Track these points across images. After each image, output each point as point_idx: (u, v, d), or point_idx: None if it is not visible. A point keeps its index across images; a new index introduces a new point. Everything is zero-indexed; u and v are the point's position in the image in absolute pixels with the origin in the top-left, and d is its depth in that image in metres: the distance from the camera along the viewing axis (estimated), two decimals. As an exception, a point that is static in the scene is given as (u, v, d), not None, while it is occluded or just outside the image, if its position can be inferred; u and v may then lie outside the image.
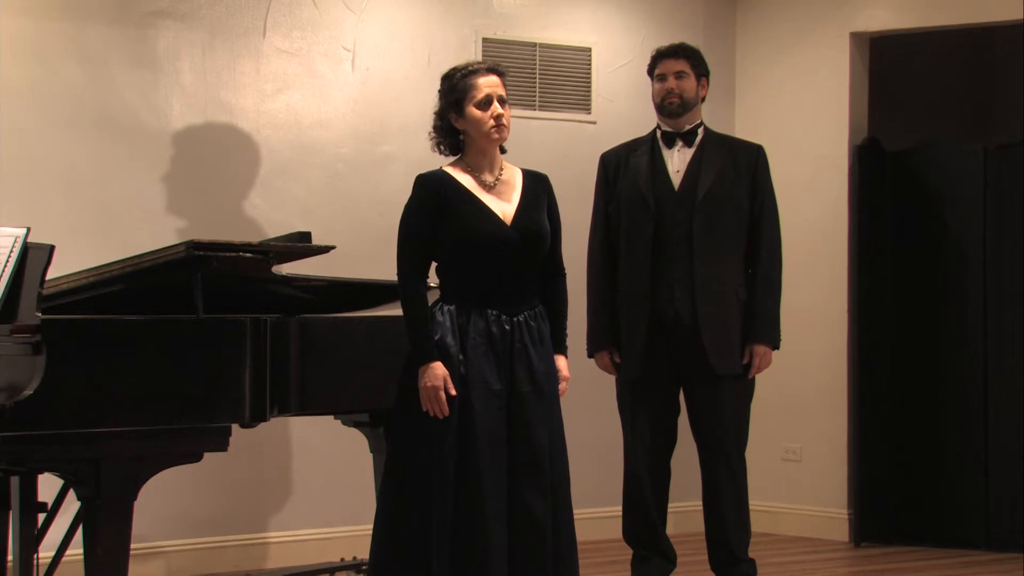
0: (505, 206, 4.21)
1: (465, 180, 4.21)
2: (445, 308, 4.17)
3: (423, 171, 4.26)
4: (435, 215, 4.16)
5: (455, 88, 4.22)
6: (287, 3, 6.28)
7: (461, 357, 4.12)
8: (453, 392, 4.09)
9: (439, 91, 4.28)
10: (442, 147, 4.28)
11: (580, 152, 6.63)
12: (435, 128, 4.28)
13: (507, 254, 4.17)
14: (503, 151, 4.29)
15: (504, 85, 4.24)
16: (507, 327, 4.16)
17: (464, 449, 4.09)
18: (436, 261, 4.24)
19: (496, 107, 4.18)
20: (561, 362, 4.30)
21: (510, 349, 4.16)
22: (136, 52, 5.95)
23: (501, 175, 4.26)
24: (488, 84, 4.20)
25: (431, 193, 4.18)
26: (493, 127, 4.18)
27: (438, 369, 4.09)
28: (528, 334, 4.19)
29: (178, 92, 6.04)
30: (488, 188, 4.22)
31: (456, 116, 4.21)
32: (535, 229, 4.22)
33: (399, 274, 4.20)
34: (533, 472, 4.14)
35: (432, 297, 4.25)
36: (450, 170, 4.24)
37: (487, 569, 4.05)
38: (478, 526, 4.06)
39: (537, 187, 4.29)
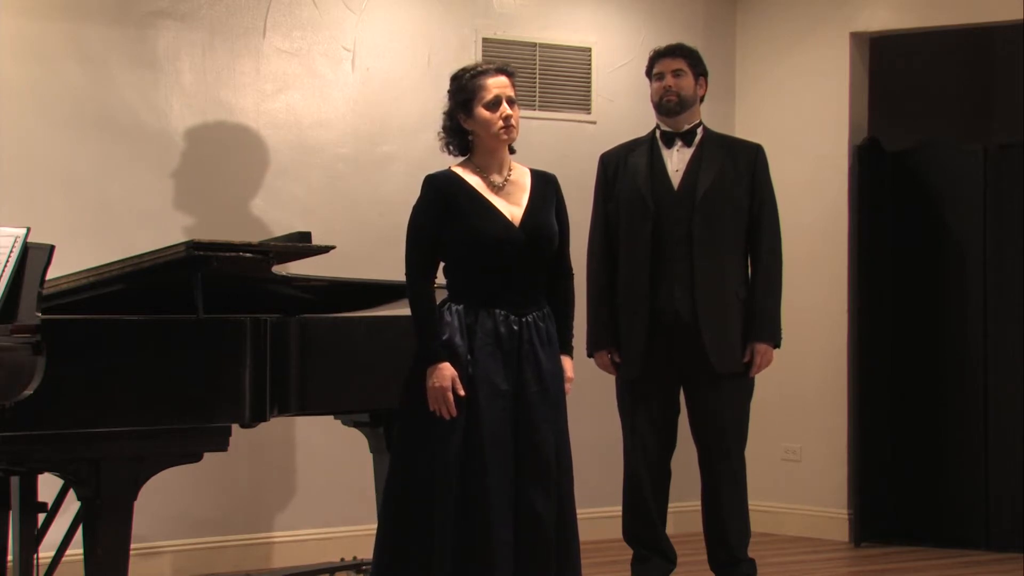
0: (513, 207, 4.20)
1: (474, 181, 4.21)
2: (453, 308, 4.17)
3: (423, 171, 4.27)
4: (443, 215, 4.16)
5: (464, 89, 4.21)
6: (287, 3, 6.28)
7: (469, 357, 4.13)
8: (462, 393, 4.09)
9: (448, 91, 4.27)
10: (451, 147, 4.28)
11: (580, 152, 6.62)
12: (444, 128, 4.27)
13: (514, 255, 4.17)
14: (512, 151, 4.29)
15: (513, 85, 4.23)
16: (515, 327, 4.16)
17: (469, 450, 4.09)
18: (444, 261, 4.24)
19: (505, 108, 4.18)
20: (566, 363, 4.30)
21: (518, 349, 4.16)
22: (136, 52, 5.95)
23: (510, 176, 4.25)
24: (497, 85, 4.20)
25: (439, 193, 4.18)
26: (502, 128, 4.18)
27: (447, 370, 4.09)
28: (537, 335, 4.19)
29: (178, 92, 6.04)
30: (497, 189, 4.22)
31: (465, 117, 4.21)
32: (543, 231, 4.22)
33: (407, 274, 4.20)
34: (539, 474, 4.14)
35: (439, 297, 4.25)
36: (459, 170, 4.23)
37: (492, 571, 4.05)
38: (483, 527, 4.06)
39: (546, 188, 4.29)
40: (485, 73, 4.21)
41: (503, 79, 4.22)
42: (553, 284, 4.30)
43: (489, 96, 4.18)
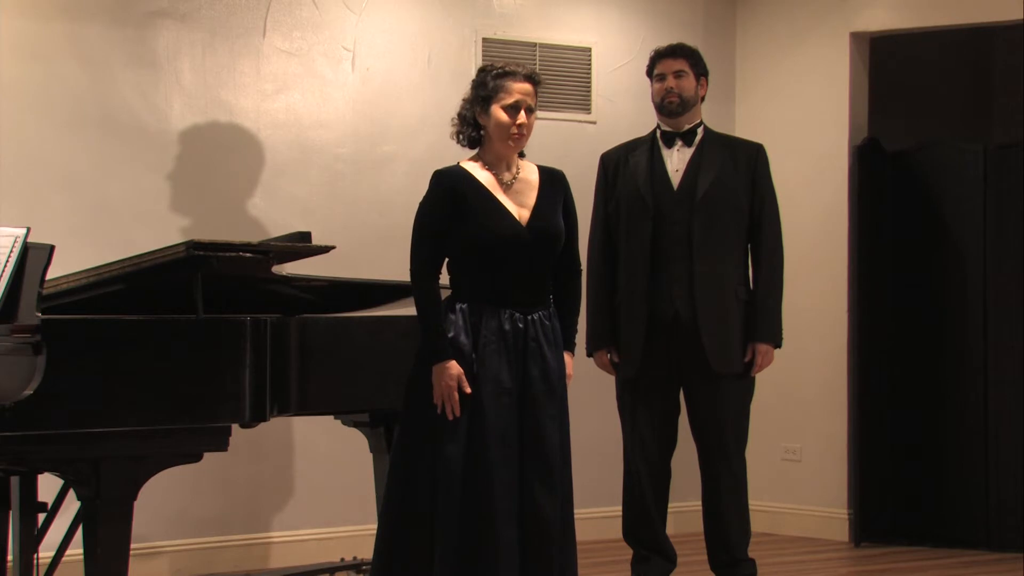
0: (521, 206, 4.20)
1: (483, 177, 4.20)
2: (458, 306, 4.17)
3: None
4: (451, 211, 4.15)
5: (486, 84, 4.21)
6: (287, 3, 6.28)
7: (474, 355, 4.12)
8: (468, 390, 4.09)
9: (472, 81, 4.28)
10: (461, 136, 4.27)
11: (580, 152, 6.62)
12: (459, 116, 4.27)
13: (521, 253, 4.16)
14: (522, 155, 4.30)
15: (536, 95, 4.23)
16: (521, 325, 4.16)
17: (474, 448, 4.08)
18: (448, 257, 4.24)
19: (522, 115, 4.18)
20: (567, 360, 4.30)
21: (524, 347, 4.15)
22: (136, 52, 5.96)
23: (519, 174, 4.25)
24: (520, 90, 4.19)
25: (448, 189, 4.17)
26: (514, 134, 4.18)
27: (453, 368, 4.09)
28: (543, 333, 4.19)
29: (178, 92, 6.04)
30: (506, 187, 4.22)
31: (481, 112, 4.21)
32: (550, 230, 4.22)
33: (413, 270, 4.19)
34: (545, 472, 4.14)
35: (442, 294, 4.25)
36: (468, 166, 4.23)
37: (496, 570, 4.04)
38: (487, 526, 4.05)
39: (554, 186, 4.29)
40: (512, 75, 4.21)
41: (528, 86, 4.21)
42: (562, 280, 4.31)
43: (510, 99, 4.18)
